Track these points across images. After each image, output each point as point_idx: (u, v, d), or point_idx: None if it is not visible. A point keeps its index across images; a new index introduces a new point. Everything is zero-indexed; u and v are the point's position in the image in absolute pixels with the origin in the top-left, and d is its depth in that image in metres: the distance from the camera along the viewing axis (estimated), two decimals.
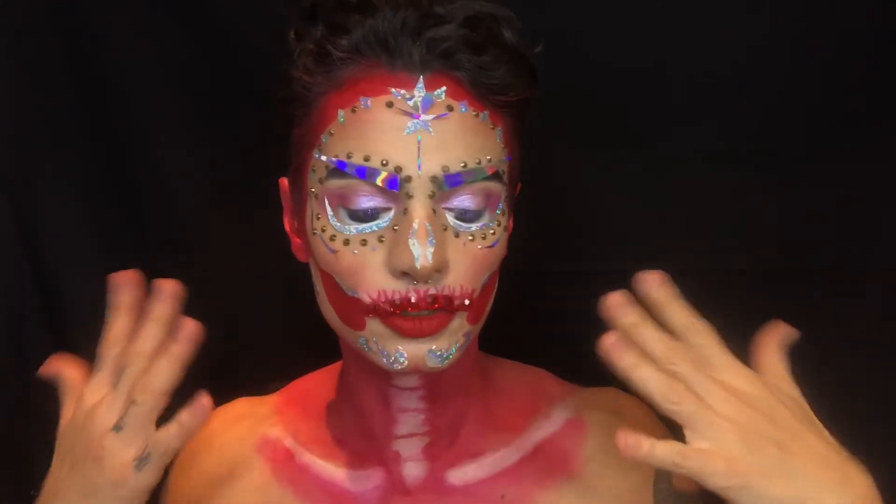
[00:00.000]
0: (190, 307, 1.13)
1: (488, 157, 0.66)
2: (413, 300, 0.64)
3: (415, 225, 0.63)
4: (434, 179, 0.64)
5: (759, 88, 1.01)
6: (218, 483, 0.80)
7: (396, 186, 0.64)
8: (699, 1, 0.99)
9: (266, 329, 1.11)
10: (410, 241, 0.63)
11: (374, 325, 0.66)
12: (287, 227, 0.75)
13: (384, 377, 0.72)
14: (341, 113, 0.65)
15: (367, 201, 0.65)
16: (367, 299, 0.65)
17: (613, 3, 0.99)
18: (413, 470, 0.75)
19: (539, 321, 1.06)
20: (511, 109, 0.68)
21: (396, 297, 0.64)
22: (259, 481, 0.78)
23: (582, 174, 1.04)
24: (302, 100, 0.68)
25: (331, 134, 0.66)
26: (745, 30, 0.99)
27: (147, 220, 1.09)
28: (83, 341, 1.09)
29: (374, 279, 0.65)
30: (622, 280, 1.07)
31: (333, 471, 0.77)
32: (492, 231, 0.67)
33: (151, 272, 1.10)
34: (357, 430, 0.77)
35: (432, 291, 0.64)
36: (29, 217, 1.05)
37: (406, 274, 0.64)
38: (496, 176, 0.67)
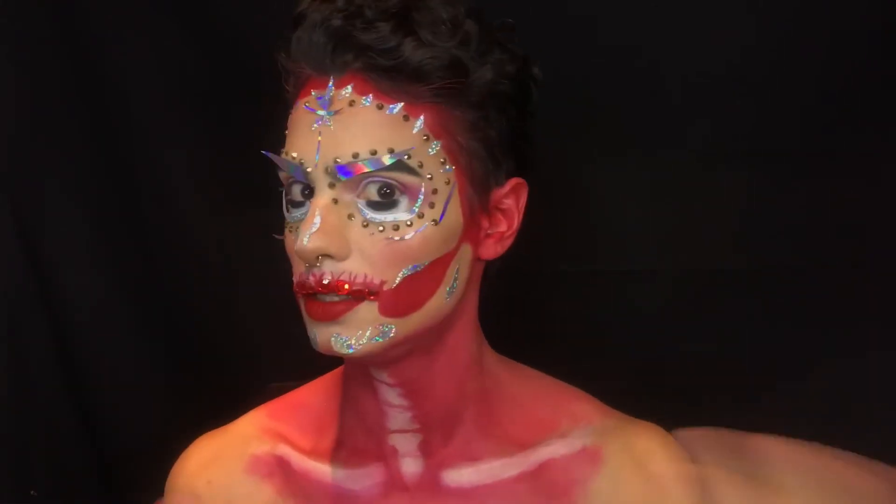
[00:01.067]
0: (190, 307, 1.13)
1: (389, 148, 0.67)
2: (309, 283, 0.68)
3: (307, 210, 0.69)
4: (327, 170, 0.68)
5: (759, 89, 1.01)
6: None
7: (302, 177, 0.69)
8: (697, 1, 0.99)
9: (267, 329, 1.11)
10: (300, 226, 0.68)
11: (301, 307, 0.71)
12: None
13: (366, 369, 0.75)
14: (290, 114, 0.72)
15: (292, 190, 0.71)
16: (294, 282, 0.71)
17: (614, 4, 0.99)
18: (410, 466, 0.77)
19: (540, 321, 1.06)
20: (442, 98, 0.68)
21: (300, 279, 0.70)
22: (261, 502, 0.79)
23: (582, 176, 1.04)
24: (289, 106, 0.74)
25: (286, 135, 0.73)
26: (745, 30, 0.99)
27: (147, 220, 1.09)
28: (83, 341, 1.10)
29: (296, 264, 0.71)
30: (622, 280, 1.08)
31: (333, 472, 0.78)
32: (407, 223, 0.68)
33: (151, 272, 1.11)
34: (356, 427, 0.78)
35: (327, 276, 0.68)
36: (29, 217, 1.05)
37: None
38: (401, 166, 0.67)
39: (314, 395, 0.83)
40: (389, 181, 0.68)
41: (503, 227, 0.74)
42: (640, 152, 1.03)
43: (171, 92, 1.06)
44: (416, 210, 0.68)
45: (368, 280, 0.67)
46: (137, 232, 1.09)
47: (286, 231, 0.72)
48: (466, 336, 0.76)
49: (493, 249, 0.74)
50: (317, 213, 0.67)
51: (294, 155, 0.69)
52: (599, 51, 1.00)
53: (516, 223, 0.75)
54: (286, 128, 0.73)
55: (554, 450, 0.76)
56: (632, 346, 1.07)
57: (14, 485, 1.04)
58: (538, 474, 0.76)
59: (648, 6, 0.99)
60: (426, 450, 0.76)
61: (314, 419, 0.81)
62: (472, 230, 0.71)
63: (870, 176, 1.02)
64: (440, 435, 0.76)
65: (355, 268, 0.67)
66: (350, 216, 0.68)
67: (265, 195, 1.04)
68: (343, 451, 0.79)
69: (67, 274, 1.07)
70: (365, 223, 0.68)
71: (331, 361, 0.84)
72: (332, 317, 0.68)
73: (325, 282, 0.67)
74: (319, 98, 0.69)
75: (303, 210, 0.70)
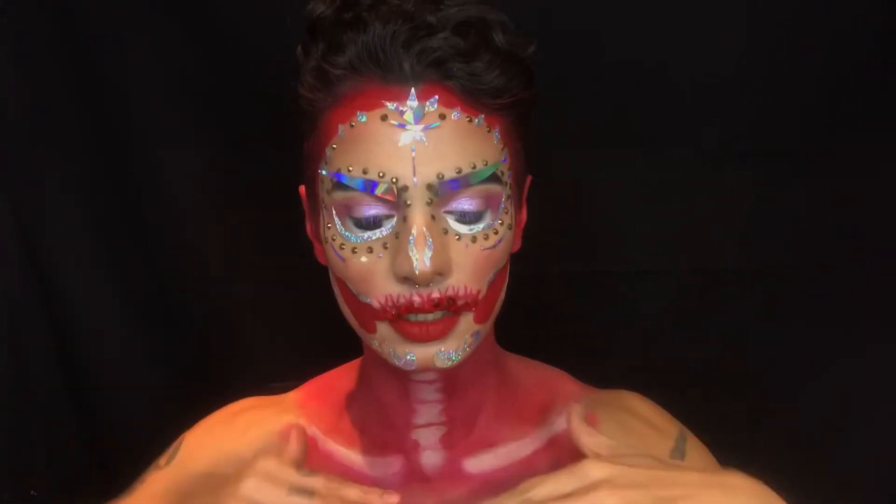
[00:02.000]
0: (190, 306, 1.13)
1: (484, 161, 0.67)
2: (416, 303, 0.66)
3: (413, 232, 0.65)
4: (430, 187, 0.66)
5: (760, 89, 1.01)
6: (237, 461, 0.78)
7: (395, 196, 0.66)
8: (701, 3, 0.99)
9: (266, 329, 1.11)
10: (409, 248, 0.65)
11: (383, 329, 0.69)
12: (308, 233, 0.77)
13: (403, 372, 0.73)
14: (341, 128, 0.67)
15: (368, 210, 0.67)
16: (375, 304, 0.68)
17: (616, 6, 0.99)
18: (431, 458, 0.77)
19: (544, 321, 1.06)
20: (508, 110, 0.69)
21: (401, 300, 0.66)
22: None
23: (586, 176, 1.05)
24: (308, 115, 0.70)
25: (333, 148, 0.68)
26: (746, 31, 0.99)
27: (147, 220, 1.09)
28: (83, 341, 1.10)
29: (381, 285, 0.67)
30: (626, 280, 1.08)
31: (355, 458, 0.79)
32: (494, 231, 0.69)
33: (151, 272, 1.11)
34: (377, 419, 0.79)
35: (435, 294, 0.66)
36: (29, 217, 1.05)
37: (408, 279, 0.66)
38: (494, 178, 0.68)
39: (340, 378, 0.84)
40: (481, 196, 0.68)
41: (522, 220, 0.77)
42: (643, 153, 1.04)
43: (171, 92, 1.06)
44: (498, 217, 0.69)
45: (469, 291, 0.67)
46: (137, 232, 1.08)
47: (343, 251, 0.68)
48: (492, 331, 0.78)
49: (518, 242, 0.76)
50: (425, 233, 0.65)
51: (382, 173, 0.66)
52: (605, 52, 1.00)
53: (526, 216, 0.77)
54: (323, 131, 0.68)
55: (558, 425, 0.79)
56: (635, 346, 1.08)
57: (14, 485, 1.05)
58: (549, 448, 0.78)
59: (653, 9, 0.99)
60: (448, 442, 0.77)
61: (340, 403, 0.82)
62: (516, 228, 0.74)
63: (870, 176, 1.02)
64: (463, 426, 0.78)
65: (457, 282, 0.67)
66: (445, 231, 0.67)
67: (265, 195, 1.05)
68: (364, 438, 0.80)
69: (67, 274, 1.07)
70: (458, 237, 0.67)
71: (331, 360, 0.85)
72: (436, 336, 0.67)
73: (436, 300, 0.66)
74: (402, 111, 0.66)
75: (376, 231, 0.67)
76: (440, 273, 0.66)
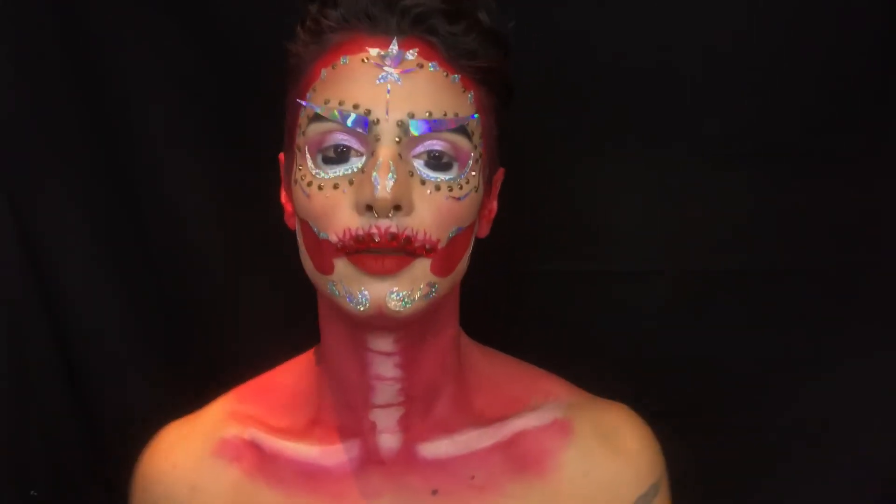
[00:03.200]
0: (190, 307, 1.13)
1: (455, 112, 0.71)
2: (375, 236, 0.68)
3: (379, 161, 0.68)
4: (400, 124, 0.69)
5: (759, 89, 1.01)
6: (183, 495, 0.80)
7: (366, 128, 0.69)
8: (701, 2, 0.99)
9: (266, 329, 1.11)
10: (373, 175, 0.67)
11: (340, 266, 0.70)
12: (282, 199, 0.79)
13: (361, 341, 0.75)
14: (323, 71, 0.72)
15: (339, 139, 0.70)
16: (334, 238, 0.69)
17: (615, 4, 0.99)
18: (388, 441, 0.78)
19: (540, 320, 1.06)
20: (482, 77, 0.73)
21: (360, 232, 0.68)
22: (227, 483, 0.79)
23: (582, 176, 1.04)
24: (295, 69, 0.74)
25: (314, 89, 0.72)
26: (745, 30, 0.99)
27: (147, 219, 1.09)
28: (83, 341, 1.10)
29: (340, 218, 0.69)
30: (620, 280, 1.08)
31: (307, 450, 0.79)
32: (459, 186, 0.71)
33: (151, 272, 1.11)
34: (334, 403, 0.79)
35: (393, 228, 0.68)
36: (29, 216, 1.05)
37: (369, 208, 0.68)
38: (463, 130, 0.71)
39: (284, 375, 0.84)
40: (449, 144, 0.70)
41: (492, 210, 0.78)
42: (640, 153, 1.04)
43: (171, 92, 1.06)
44: (465, 175, 0.71)
45: (428, 237, 0.69)
46: (137, 232, 1.08)
47: (310, 188, 0.70)
48: (453, 313, 0.79)
49: (485, 229, 0.78)
50: (391, 164, 0.68)
51: (356, 105, 0.69)
52: (604, 52, 1.00)
53: (496, 207, 0.79)
54: (307, 79, 0.72)
55: (526, 422, 0.79)
56: (631, 346, 1.07)
57: (14, 485, 1.04)
58: (511, 444, 0.78)
59: (653, 8, 0.99)
60: (405, 424, 0.78)
61: (286, 400, 0.82)
62: (482, 206, 0.75)
63: (870, 176, 1.02)
64: (421, 409, 0.78)
65: (417, 224, 0.69)
66: (410, 173, 0.69)
67: (266, 195, 1.05)
68: (317, 429, 0.80)
69: (67, 274, 1.07)
70: (422, 181, 0.70)
71: None
72: (391, 269, 0.68)
73: (392, 234, 0.68)
74: (383, 56, 0.70)
75: (345, 166, 0.70)
76: (399, 205, 0.68)
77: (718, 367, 1.06)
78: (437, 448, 0.78)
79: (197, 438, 0.82)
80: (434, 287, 0.71)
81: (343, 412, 0.79)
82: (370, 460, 0.78)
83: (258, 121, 1.03)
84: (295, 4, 0.74)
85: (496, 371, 0.83)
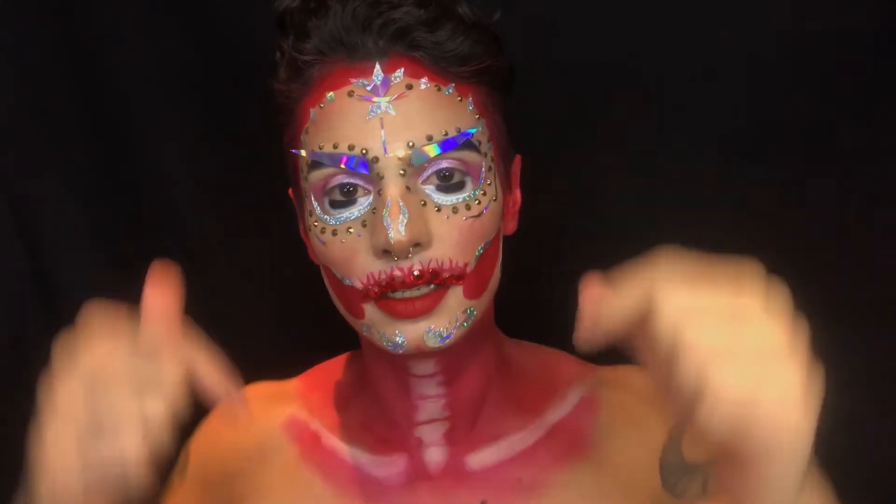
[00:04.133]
0: (188, 307, 1.13)
1: (457, 128, 0.67)
2: (398, 278, 0.65)
3: (388, 202, 0.65)
4: (401, 157, 0.65)
5: (759, 89, 1.01)
6: (246, 457, 0.80)
7: (366, 168, 0.66)
8: (701, 2, 0.99)
9: (266, 329, 1.11)
10: (384, 218, 0.65)
11: (370, 311, 0.68)
12: (301, 233, 0.77)
13: (402, 366, 0.73)
14: (312, 112, 0.68)
15: (341, 180, 0.67)
16: (358, 285, 0.67)
17: (617, 5, 0.99)
18: (435, 455, 0.76)
19: (540, 321, 1.06)
20: (480, 78, 0.69)
21: (382, 276, 0.66)
22: (287, 462, 0.79)
23: (582, 175, 1.05)
24: (284, 108, 0.71)
25: (307, 132, 0.68)
26: (746, 30, 0.99)
27: (147, 219, 1.09)
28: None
29: (362, 264, 0.67)
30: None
31: (359, 456, 0.78)
32: (476, 201, 0.68)
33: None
34: (379, 417, 0.78)
35: (417, 267, 0.66)
36: (28, 216, 1.05)
37: (386, 252, 0.65)
38: (469, 145, 0.68)
39: (341, 370, 0.84)
40: (458, 162, 0.67)
41: (516, 202, 0.76)
42: (642, 153, 1.04)
43: (171, 91, 1.06)
44: (480, 188, 0.68)
45: (454, 265, 0.67)
46: (137, 232, 1.09)
47: (324, 235, 0.68)
48: (491, 322, 0.78)
49: (512, 224, 0.76)
50: (400, 202, 0.65)
51: (351, 146, 0.66)
52: (604, 51, 1.00)
53: (520, 197, 0.77)
54: (298, 120, 0.69)
55: (559, 411, 0.78)
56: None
57: (14, 485, 1.04)
58: (551, 436, 0.77)
59: (653, 8, 0.99)
60: (451, 438, 0.76)
61: (338, 394, 0.82)
62: (504, 206, 0.73)
63: (870, 176, 1.02)
64: (466, 421, 0.77)
65: (440, 254, 0.66)
66: (423, 203, 0.67)
67: (266, 195, 1.05)
68: (366, 436, 0.79)
69: (67, 273, 1.07)
70: (437, 208, 0.67)
71: (330, 357, 0.85)
72: (423, 311, 0.66)
73: (417, 272, 0.65)
74: (368, 85, 0.66)
75: (353, 209, 0.67)
76: (417, 242, 0.65)
77: None
78: (483, 458, 0.77)
79: (275, 405, 0.82)
80: (471, 312, 0.69)
81: (389, 428, 0.78)
82: (418, 476, 0.77)
83: (259, 120, 1.04)
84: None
85: (528, 364, 0.81)
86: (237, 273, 1.10)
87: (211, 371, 0.61)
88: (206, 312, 1.11)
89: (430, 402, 0.75)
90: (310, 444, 0.79)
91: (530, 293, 1.02)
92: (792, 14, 0.98)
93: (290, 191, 0.76)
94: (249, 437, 0.81)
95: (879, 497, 1.06)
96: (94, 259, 1.08)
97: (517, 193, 0.76)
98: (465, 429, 0.77)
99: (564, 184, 1.02)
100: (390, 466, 0.77)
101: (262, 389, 0.84)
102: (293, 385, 0.85)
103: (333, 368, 0.84)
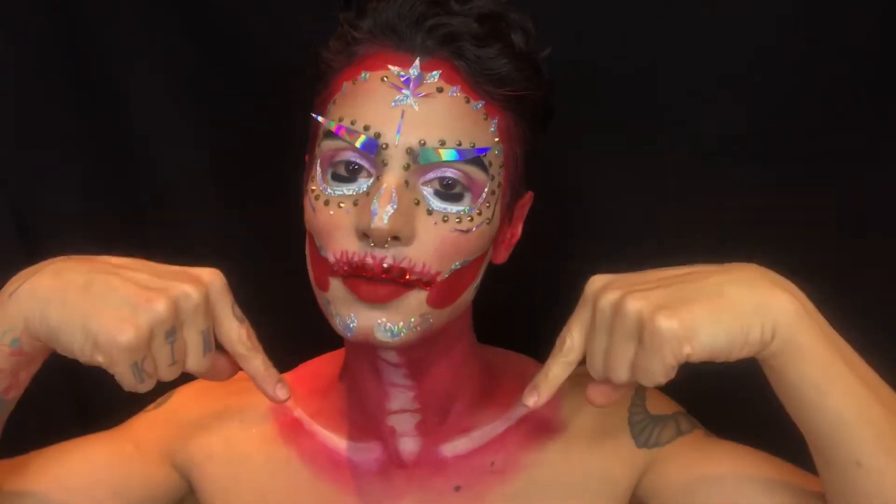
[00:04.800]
0: None
1: (472, 143, 0.68)
2: (368, 265, 0.66)
3: (382, 188, 0.66)
4: (409, 151, 0.67)
5: (759, 89, 1.01)
6: (225, 416, 0.83)
7: (374, 151, 0.67)
8: (702, 2, 0.99)
9: (266, 329, 1.10)
10: (373, 202, 0.66)
11: (335, 287, 0.69)
12: (304, 199, 0.77)
13: (373, 351, 0.75)
14: (345, 85, 0.70)
15: (348, 158, 0.68)
16: (331, 258, 0.68)
17: (618, 5, 0.99)
18: (408, 445, 0.79)
19: (539, 321, 1.05)
20: (511, 105, 0.70)
21: (355, 258, 0.67)
22: (266, 436, 0.82)
23: (582, 175, 1.05)
24: (322, 77, 0.73)
25: (334, 103, 0.71)
26: (746, 30, 0.99)
27: (147, 219, 1.09)
28: None
29: (340, 239, 0.68)
30: None
31: (337, 441, 0.81)
32: (469, 218, 0.69)
33: None
34: (356, 405, 0.80)
35: (388, 260, 0.67)
36: (28, 215, 1.05)
37: (366, 236, 0.66)
38: (478, 162, 0.68)
39: (327, 364, 0.85)
40: (462, 174, 0.68)
41: (514, 235, 0.77)
42: (642, 153, 1.04)
43: (172, 91, 1.06)
44: (477, 207, 0.69)
45: (427, 269, 0.68)
46: (137, 232, 1.09)
47: (317, 202, 0.69)
48: (465, 329, 0.79)
49: (502, 255, 0.77)
50: (393, 192, 0.66)
51: (367, 126, 0.67)
52: (604, 52, 1.00)
53: (520, 232, 0.78)
54: (331, 89, 0.71)
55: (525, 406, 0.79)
56: None
57: None
58: (520, 424, 0.80)
59: (653, 8, 0.99)
60: (423, 429, 0.79)
61: (322, 386, 0.84)
62: (498, 234, 0.74)
63: (870, 176, 1.02)
64: (437, 414, 0.79)
65: (416, 255, 0.67)
66: (416, 202, 0.68)
67: (266, 195, 1.05)
68: (344, 422, 0.81)
69: None
70: (429, 211, 0.68)
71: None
72: (380, 299, 0.67)
73: (386, 265, 0.66)
74: (403, 76, 0.68)
75: (353, 186, 0.68)
76: (397, 235, 0.66)
77: (719, 365, 1.06)
78: (455, 447, 0.79)
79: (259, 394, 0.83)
80: (428, 319, 0.69)
81: (364, 415, 0.80)
82: (392, 463, 0.79)
83: (259, 120, 1.04)
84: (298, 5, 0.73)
85: (499, 365, 0.84)
86: (238, 273, 1.10)
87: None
88: None
89: (400, 391, 0.77)
90: (290, 426, 0.82)
91: (527, 292, 1.02)
92: (792, 14, 0.98)
93: (306, 157, 0.77)
94: (235, 403, 0.83)
95: None
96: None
97: (518, 228, 0.77)
98: (436, 422, 0.79)
99: (565, 185, 1.02)
100: (366, 452, 0.80)
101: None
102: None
103: (319, 364, 0.87)
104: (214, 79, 1.05)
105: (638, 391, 0.80)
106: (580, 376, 0.80)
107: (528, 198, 0.77)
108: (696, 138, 1.02)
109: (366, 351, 0.75)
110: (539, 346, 0.90)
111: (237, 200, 1.08)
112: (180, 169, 1.08)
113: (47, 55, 1.04)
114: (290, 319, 1.09)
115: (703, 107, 1.01)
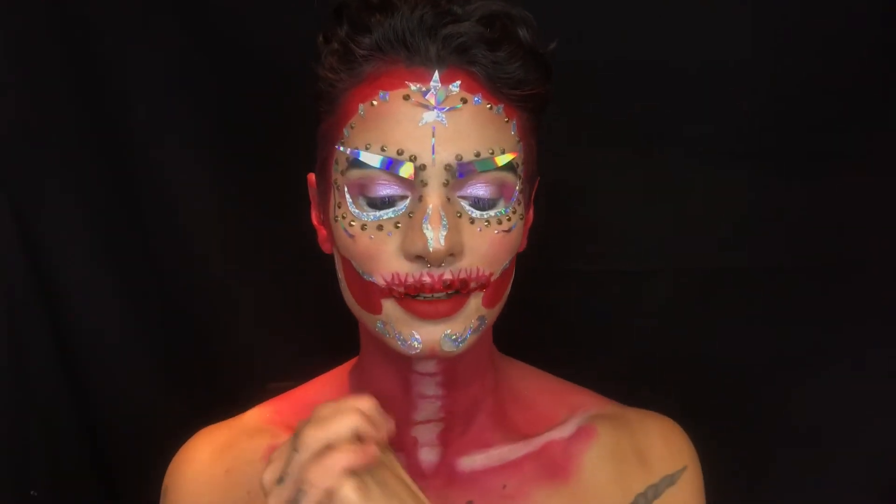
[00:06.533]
0: (189, 307, 1.13)
1: (502, 149, 0.68)
2: (427, 284, 0.66)
3: (429, 210, 0.66)
4: (448, 167, 0.66)
5: (759, 89, 1.01)
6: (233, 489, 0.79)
7: (412, 175, 0.66)
8: (701, 2, 0.99)
9: (266, 328, 1.11)
10: (424, 226, 0.65)
11: (390, 308, 0.68)
12: (314, 220, 0.77)
13: (405, 363, 0.73)
14: (361, 107, 0.68)
15: (383, 189, 0.67)
16: (381, 282, 0.68)
17: (618, 5, 0.99)
18: (428, 455, 0.78)
19: (542, 320, 1.06)
20: (526, 104, 0.71)
21: (410, 280, 0.67)
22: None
23: (583, 175, 1.04)
24: (327, 97, 0.71)
25: (352, 127, 0.68)
26: (746, 30, 0.99)
27: (147, 219, 1.09)
28: (83, 341, 1.10)
29: (388, 263, 0.67)
30: (623, 279, 1.08)
31: None
32: (507, 217, 0.69)
33: (151, 272, 1.11)
34: None
35: (447, 276, 0.67)
36: (29, 216, 1.05)
37: (420, 258, 0.66)
38: (510, 167, 0.69)
39: (321, 390, 0.83)
40: (496, 180, 0.68)
41: (529, 219, 0.77)
42: (642, 153, 1.04)
43: (172, 91, 1.06)
44: (511, 206, 0.69)
45: (482, 273, 0.68)
46: (137, 232, 1.08)
47: (353, 229, 0.68)
48: (491, 330, 0.78)
49: (524, 242, 0.77)
50: (441, 213, 0.66)
51: (400, 150, 0.66)
52: (604, 52, 1.00)
53: (533, 215, 0.78)
54: (343, 111, 0.69)
55: (553, 434, 0.79)
56: (633, 345, 1.07)
57: (14, 485, 1.05)
58: (541, 454, 0.79)
59: (653, 8, 0.99)
60: (444, 439, 0.78)
61: None
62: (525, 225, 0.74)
63: (870, 176, 1.02)
64: (460, 425, 0.78)
65: (469, 264, 0.67)
66: (459, 214, 0.68)
67: (266, 195, 1.05)
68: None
69: (67, 274, 1.07)
70: (471, 220, 0.68)
71: (328, 360, 0.85)
72: (446, 313, 0.67)
73: (447, 281, 0.66)
74: (425, 92, 0.67)
75: (390, 210, 0.67)
76: (453, 253, 0.66)
77: (719, 365, 1.06)
78: (472, 461, 0.78)
79: (245, 444, 0.81)
80: (483, 319, 0.70)
81: None
82: (411, 473, 0.75)
83: (259, 121, 1.04)
84: (300, 5, 0.72)
85: (528, 386, 0.83)
86: (237, 273, 1.10)
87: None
88: (206, 312, 1.12)
89: (429, 402, 0.76)
90: None
91: (531, 293, 1.02)
92: (792, 14, 0.98)
93: (309, 176, 0.76)
94: (237, 488, 0.79)
95: (880, 496, 1.06)
96: (95, 259, 1.08)
97: (531, 212, 0.78)
98: (458, 431, 0.78)
99: (566, 184, 1.02)
100: None
101: (219, 437, 0.83)
102: (252, 417, 0.83)
103: (308, 393, 0.84)
104: (215, 79, 1.05)
105: (661, 480, 0.78)
106: (618, 418, 0.80)
107: (536, 183, 0.78)
108: (696, 138, 1.02)
109: (398, 364, 0.74)
110: (540, 344, 0.90)
111: (238, 200, 1.07)
112: (181, 169, 1.08)
113: (47, 55, 1.03)
114: (292, 320, 1.09)
115: (702, 107, 1.01)
